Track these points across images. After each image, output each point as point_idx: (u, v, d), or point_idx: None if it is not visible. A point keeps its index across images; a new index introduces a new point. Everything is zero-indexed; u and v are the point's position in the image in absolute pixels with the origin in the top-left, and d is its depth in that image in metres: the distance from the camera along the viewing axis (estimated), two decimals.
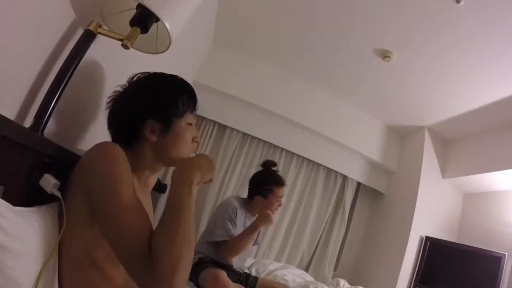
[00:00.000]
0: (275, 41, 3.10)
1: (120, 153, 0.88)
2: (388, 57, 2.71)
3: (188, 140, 1.07)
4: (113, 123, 1.08)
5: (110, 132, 1.08)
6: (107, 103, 1.09)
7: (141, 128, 1.02)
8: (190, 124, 1.09)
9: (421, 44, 2.50)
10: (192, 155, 1.06)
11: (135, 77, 1.09)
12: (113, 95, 1.08)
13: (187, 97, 1.08)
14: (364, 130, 3.82)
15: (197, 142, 1.11)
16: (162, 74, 1.12)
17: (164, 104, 1.04)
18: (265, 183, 2.41)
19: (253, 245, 2.56)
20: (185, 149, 1.06)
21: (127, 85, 1.08)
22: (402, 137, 4.04)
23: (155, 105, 1.03)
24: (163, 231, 0.78)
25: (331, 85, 3.54)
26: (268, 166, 2.51)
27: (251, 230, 2.24)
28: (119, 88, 1.08)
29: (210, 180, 0.97)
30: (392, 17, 2.36)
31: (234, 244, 2.23)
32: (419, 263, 3.23)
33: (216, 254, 2.26)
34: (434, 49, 2.50)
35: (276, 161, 3.21)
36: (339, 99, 3.71)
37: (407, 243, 3.23)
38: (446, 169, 3.59)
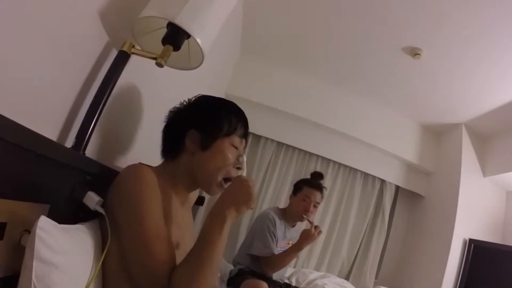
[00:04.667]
0: (302, 46, 3.09)
1: (148, 177, 0.88)
2: (418, 54, 2.64)
3: (227, 158, 1.02)
4: (163, 134, 1.11)
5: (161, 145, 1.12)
6: (166, 116, 1.12)
7: (184, 138, 1.03)
8: (236, 147, 1.06)
9: (449, 38, 2.41)
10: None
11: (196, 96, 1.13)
12: (172, 109, 1.13)
13: (236, 119, 1.08)
14: (398, 131, 3.72)
15: (238, 168, 1.06)
16: (218, 97, 1.16)
17: (208, 118, 1.05)
18: (299, 182, 2.45)
19: None
20: (223, 165, 1.02)
21: (186, 101, 1.12)
22: (439, 136, 3.88)
23: (200, 116, 1.06)
24: (187, 269, 0.80)
25: (363, 87, 3.48)
26: (313, 176, 2.53)
27: (294, 250, 2.23)
28: (178, 104, 1.13)
29: (250, 208, 0.92)
30: (418, 13, 2.29)
31: (276, 262, 2.23)
32: (463, 268, 3.06)
33: (255, 265, 2.25)
34: (463, 41, 2.40)
35: (312, 168, 3.18)
36: (371, 101, 3.64)
37: (450, 247, 3.07)
38: (486, 167, 3.41)
